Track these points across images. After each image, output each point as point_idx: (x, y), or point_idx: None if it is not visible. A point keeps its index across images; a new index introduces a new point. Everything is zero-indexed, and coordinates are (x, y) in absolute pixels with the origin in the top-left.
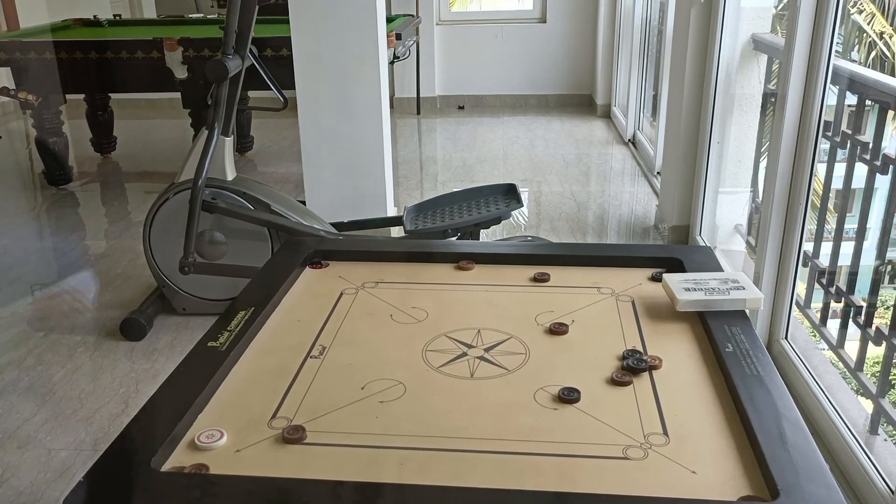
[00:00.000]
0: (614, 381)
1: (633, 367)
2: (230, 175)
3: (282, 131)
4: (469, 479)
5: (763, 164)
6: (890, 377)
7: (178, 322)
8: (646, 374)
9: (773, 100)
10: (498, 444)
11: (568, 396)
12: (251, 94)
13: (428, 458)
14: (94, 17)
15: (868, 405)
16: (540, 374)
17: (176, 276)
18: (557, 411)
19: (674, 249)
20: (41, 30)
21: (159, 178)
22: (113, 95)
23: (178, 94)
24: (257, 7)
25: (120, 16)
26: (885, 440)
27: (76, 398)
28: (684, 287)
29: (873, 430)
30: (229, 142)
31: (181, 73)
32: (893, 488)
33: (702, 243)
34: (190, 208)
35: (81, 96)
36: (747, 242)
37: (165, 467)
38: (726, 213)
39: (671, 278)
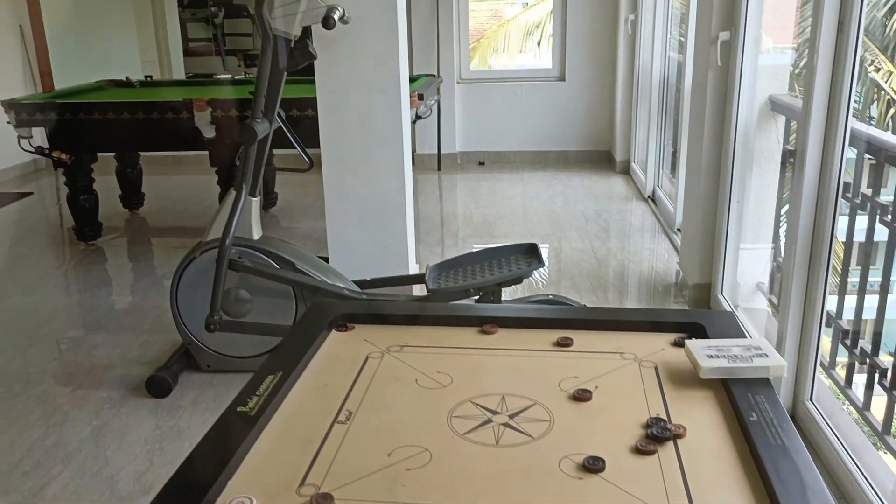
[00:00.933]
0: (639, 450)
1: (657, 435)
2: (256, 234)
3: (305, 188)
4: None
5: (784, 221)
6: None
7: (202, 379)
8: (670, 443)
9: (791, 159)
10: None
11: (593, 466)
12: (276, 152)
13: None
14: (127, 78)
15: None
16: (564, 442)
17: (201, 334)
18: (583, 481)
19: (696, 314)
20: (75, 90)
21: (185, 234)
22: (143, 152)
23: (205, 152)
24: (286, 72)
25: (151, 77)
26: None
27: (102, 456)
28: (707, 354)
29: None
30: (256, 202)
31: (209, 132)
32: None
33: (724, 302)
34: (217, 267)
35: (112, 154)
36: (769, 301)
37: None
38: (747, 270)
39: (694, 345)
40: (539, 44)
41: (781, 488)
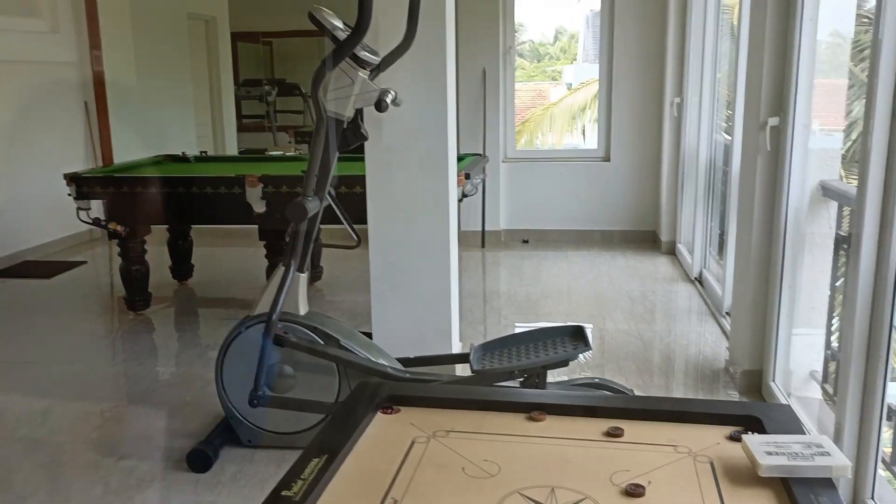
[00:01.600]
0: None
1: None
2: (303, 310)
3: (350, 262)
4: None
5: (838, 307)
6: None
7: (242, 454)
8: None
9: (845, 245)
10: None
11: None
12: (324, 227)
13: None
14: (183, 153)
15: None
16: None
17: (244, 408)
18: None
19: (752, 407)
20: (134, 165)
21: (232, 305)
22: (194, 225)
23: (254, 226)
24: (338, 152)
25: (206, 152)
26: None
27: None
28: (766, 450)
29: None
30: (304, 278)
31: (260, 207)
32: None
33: (776, 390)
34: (263, 342)
35: (164, 226)
36: (824, 390)
37: None
38: (800, 357)
39: (752, 440)
40: (584, 131)
41: None
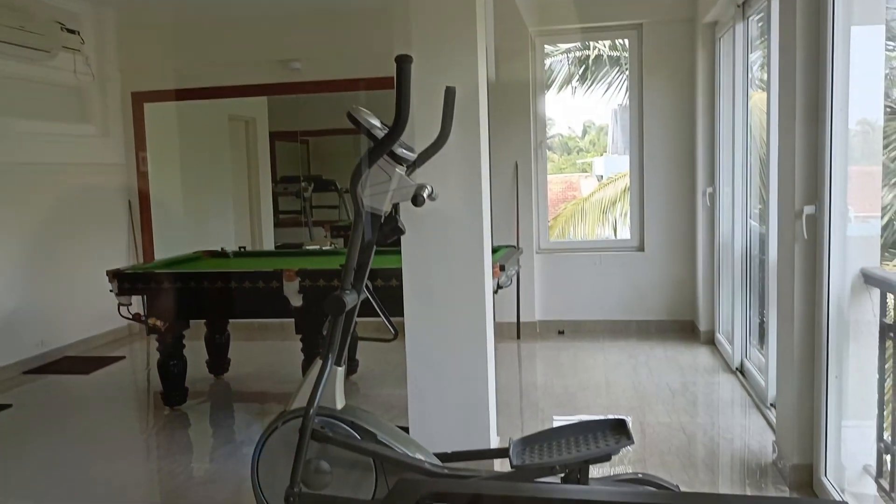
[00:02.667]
0: None
1: None
2: (340, 404)
3: (385, 354)
4: None
5: (889, 399)
6: None
7: None
8: None
9: (892, 333)
10: None
11: None
12: (360, 320)
13: None
14: (222, 248)
15: None
16: None
17: None
18: None
19: (806, 503)
20: (174, 261)
21: (268, 399)
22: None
23: (290, 320)
24: (375, 246)
25: (245, 247)
26: None
27: None
28: None
29: None
30: (341, 371)
31: (297, 301)
32: None
33: (828, 485)
34: (300, 437)
35: (202, 320)
36: (879, 485)
37: None
38: (852, 450)
39: None
40: (616, 226)
41: None
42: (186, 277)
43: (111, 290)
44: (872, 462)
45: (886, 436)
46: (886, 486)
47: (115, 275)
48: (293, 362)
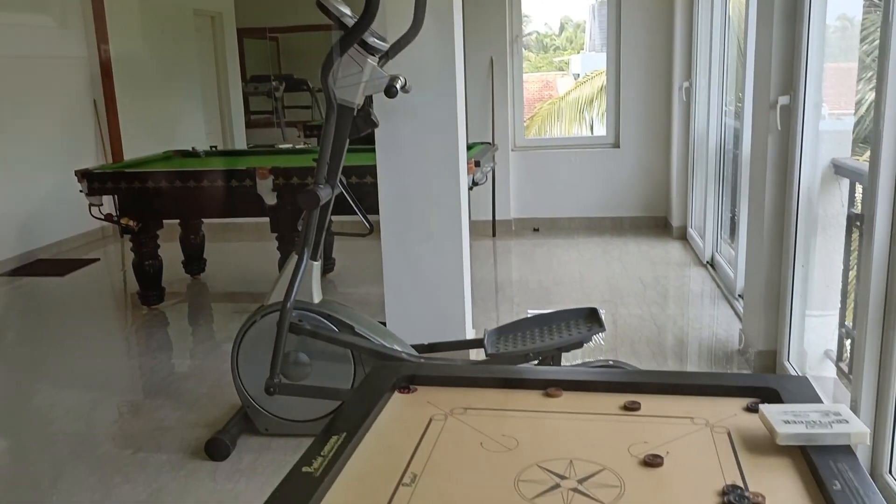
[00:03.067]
0: None
1: (734, 503)
2: (317, 298)
3: (362, 253)
4: None
5: (851, 286)
6: None
7: (260, 443)
8: None
9: (858, 223)
10: None
11: None
12: (336, 218)
13: None
14: (193, 148)
15: None
16: None
17: (260, 397)
18: None
19: (768, 379)
20: (144, 161)
21: (244, 299)
22: (205, 220)
23: (266, 219)
24: (349, 139)
25: (216, 147)
26: None
27: None
28: (783, 419)
29: None
30: (317, 266)
31: (271, 199)
32: None
33: (791, 369)
34: (278, 330)
35: (177, 221)
36: (839, 368)
37: None
38: (814, 337)
39: (769, 410)
40: (592, 125)
41: None
42: (158, 176)
43: (81, 191)
44: (833, 348)
45: (848, 322)
46: (845, 368)
47: (84, 174)
48: (269, 262)
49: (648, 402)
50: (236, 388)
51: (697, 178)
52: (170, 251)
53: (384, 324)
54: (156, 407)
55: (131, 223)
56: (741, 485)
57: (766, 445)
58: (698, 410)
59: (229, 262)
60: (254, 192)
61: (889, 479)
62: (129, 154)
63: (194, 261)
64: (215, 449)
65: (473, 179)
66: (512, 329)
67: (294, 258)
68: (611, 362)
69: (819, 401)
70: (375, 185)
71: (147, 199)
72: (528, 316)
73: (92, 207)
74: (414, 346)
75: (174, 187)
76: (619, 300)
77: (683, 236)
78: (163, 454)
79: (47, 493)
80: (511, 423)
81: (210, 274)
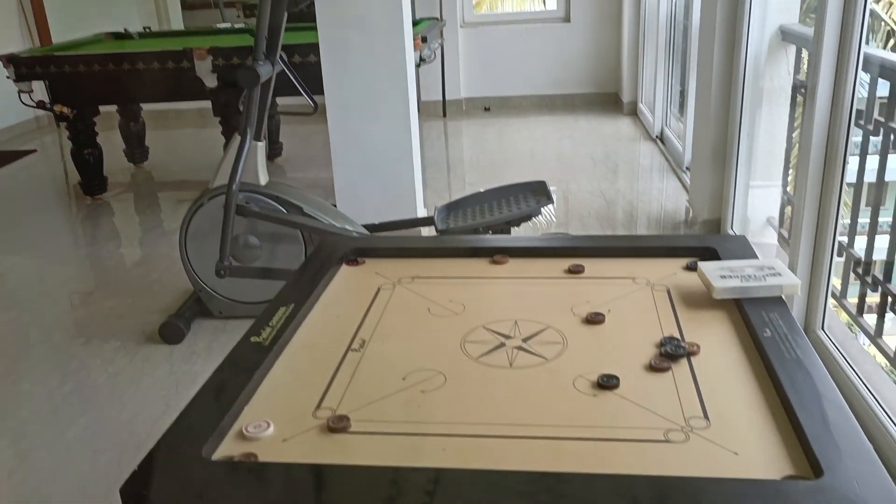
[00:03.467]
0: (653, 368)
1: (671, 353)
2: (263, 180)
3: (310, 137)
4: (511, 464)
5: (794, 155)
6: None
7: (214, 325)
8: (684, 361)
9: (802, 91)
10: (539, 429)
11: (607, 383)
12: (279, 100)
13: (470, 444)
14: (125, 30)
15: None
16: (578, 363)
17: (212, 280)
18: (597, 397)
19: (707, 239)
20: (74, 44)
21: (191, 187)
22: (144, 106)
23: (207, 103)
24: (286, 13)
25: (150, 28)
26: None
27: (118, 401)
28: (720, 275)
29: None
30: (261, 147)
31: (211, 81)
32: None
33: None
34: (225, 213)
35: (114, 108)
36: (779, 234)
37: (215, 456)
38: (758, 205)
39: (707, 266)
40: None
41: (797, 399)
42: (90, 60)
43: (8, 77)
44: (775, 215)
45: (789, 189)
46: (786, 234)
47: (9, 59)
48: (214, 148)
49: (592, 266)
50: (187, 273)
51: (648, 53)
52: (110, 140)
53: (335, 206)
54: (107, 295)
55: (65, 110)
56: (678, 336)
57: (703, 300)
58: (640, 271)
59: (173, 150)
60: (193, 75)
61: (821, 334)
62: (58, 37)
63: (136, 149)
64: (170, 332)
65: (420, 56)
66: (462, 205)
67: (237, 139)
68: (560, 235)
69: (755, 257)
70: (319, 63)
71: (80, 84)
72: (478, 191)
73: (22, 94)
74: (365, 226)
75: (108, 71)
76: (570, 176)
77: (634, 112)
78: (117, 340)
79: (2, 382)
80: (458, 290)
81: (153, 162)
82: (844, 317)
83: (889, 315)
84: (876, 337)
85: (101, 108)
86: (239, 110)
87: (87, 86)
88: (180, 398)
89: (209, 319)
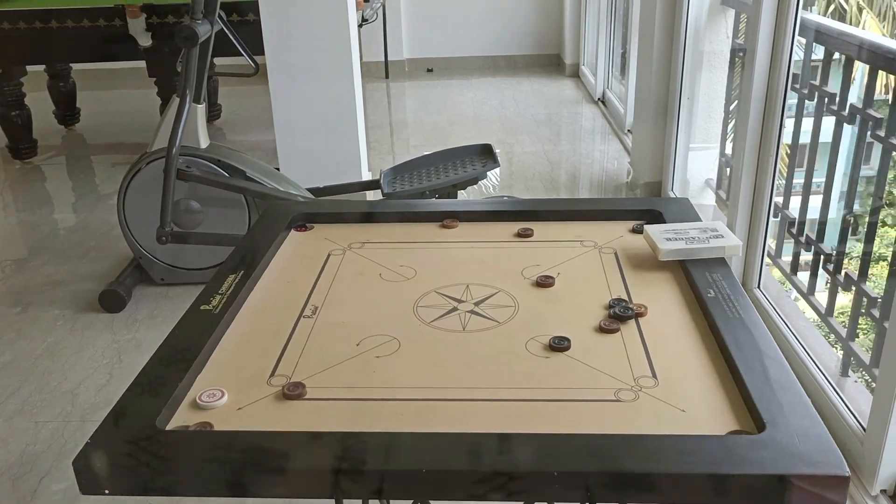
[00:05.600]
0: (602, 329)
1: (619, 314)
2: (204, 143)
3: (250, 98)
4: (468, 426)
5: (732, 118)
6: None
7: (157, 292)
8: (632, 322)
9: (740, 55)
10: (494, 391)
11: (559, 345)
12: (218, 61)
13: (427, 407)
14: None
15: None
16: (530, 326)
17: (153, 247)
18: (549, 359)
19: (653, 202)
20: None
21: (126, 150)
22: (74, 66)
23: (141, 63)
24: None
25: None
26: (856, 381)
27: (59, 371)
28: (665, 237)
29: (844, 372)
30: (201, 109)
31: (145, 40)
32: (865, 426)
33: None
34: (165, 177)
35: (42, 67)
36: (717, 195)
37: (170, 427)
38: (697, 168)
39: (652, 229)
40: None
41: (741, 357)
42: (14, 16)
43: None
44: (714, 177)
45: (728, 152)
46: (724, 195)
47: None
48: (150, 110)
49: (541, 229)
50: (126, 239)
51: (590, 15)
52: (39, 102)
53: (278, 170)
54: (42, 263)
55: None
56: (626, 298)
57: (649, 262)
58: (587, 234)
59: (106, 112)
60: (125, 33)
61: (758, 292)
62: None
63: (67, 111)
64: (110, 300)
65: (363, 16)
66: (408, 168)
67: (176, 101)
68: (506, 198)
69: (699, 219)
70: (258, 22)
71: (4, 43)
72: (424, 154)
73: None
74: (309, 190)
75: (34, 28)
76: (514, 138)
77: (576, 74)
78: (55, 309)
79: None
80: (409, 255)
81: (85, 125)
82: (777, 274)
83: (821, 273)
84: (808, 294)
85: (29, 68)
86: (177, 72)
87: (13, 44)
88: (124, 367)
89: (151, 286)
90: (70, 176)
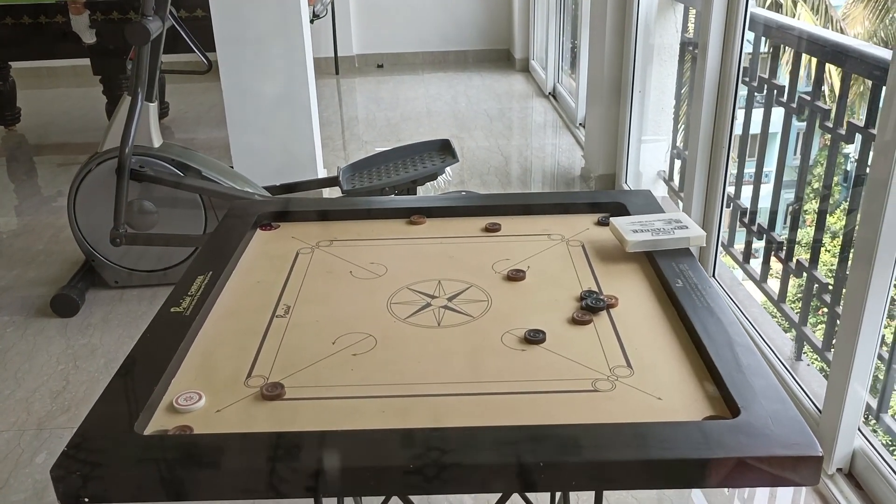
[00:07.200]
0: (575, 321)
1: (591, 306)
2: (157, 142)
3: (198, 96)
4: (449, 420)
5: (683, 111)
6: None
7: (110, 295)
8: (604, 313)
9: (690, 48)
10: (472, 386)
11: (534, 337)
12: (167, 58)
13: (407, 403)
14: None
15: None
16: (504, 319)
17: (105, 249)
18: (525, 352)
19: (616, 195)
20: None
21: (70, 150)
22: (14, 64)
23: (85, 61)
24: None
25: None
26: (808, 365)
27: (12, 378)
28: (632, 229)
29: (797, 356)
30: (154, 107)
31: (89, 37)
32: (821, 407)
33: (628, 189)
34: (118, 178)
35: None
36: (669, 186)
37: (148, 431)
38: (649, 160)
39: (618, 221)
40: None
41: (711, 344)
42: None
43: None
44: (665, 168)
45: (679, 144)
46: (675, 186)
47: None
48: (95, 108)
49: (508, 223)
50: (78, 242)
51: (539, 9)
52: None
53: (232, 168)
54: None
55: None
56: (596, 290)
57: (617, 254)
58: (554, 227)
59: (48, 111)
60: (68, 30)
61: (712, 282)
62: None
63: (7, 111)
64: (62, 305)
65: (314, 12)
66: (366, 164)
67: (127, 100)
68: (463, 193)
69: (661, 211)
70: (208, 18)
71: None
72: (383, 150)
73: None
74: (266, 188)
75: None
76: (467, 133)
77: (526, 68)
78: (3, 315)
79: None
80: (378, 252)
81: (26, 125)
82: (728, 262)
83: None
84: (761, 281)
85: None
86: (123, 70)
87: None
88: (80, 372)
89: (104, 289)
90: (11, 178)
